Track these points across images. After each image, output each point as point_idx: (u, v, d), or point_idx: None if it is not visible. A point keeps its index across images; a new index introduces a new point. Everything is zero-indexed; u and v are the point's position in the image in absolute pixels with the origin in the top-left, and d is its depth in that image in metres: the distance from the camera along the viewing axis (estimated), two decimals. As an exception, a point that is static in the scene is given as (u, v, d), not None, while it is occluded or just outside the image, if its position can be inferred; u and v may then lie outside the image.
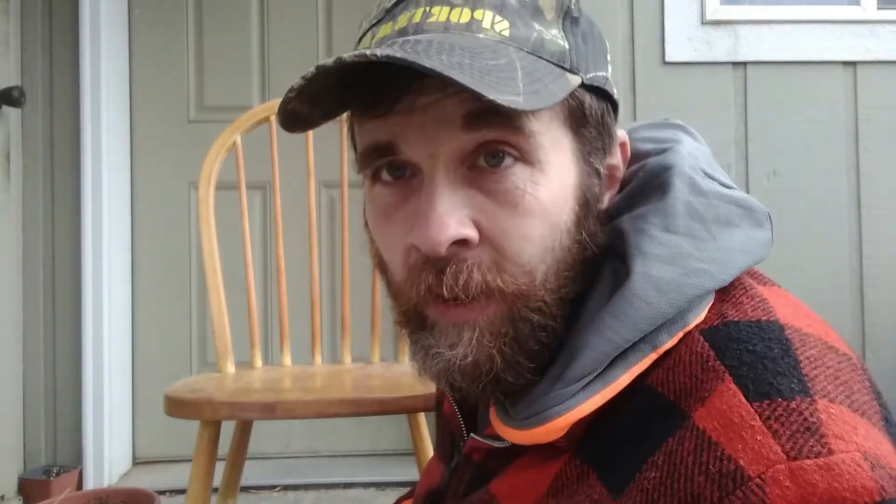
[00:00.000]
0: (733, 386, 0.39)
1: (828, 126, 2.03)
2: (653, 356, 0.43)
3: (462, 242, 0.44)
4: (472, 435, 0.53)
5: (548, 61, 0.45)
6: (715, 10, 2.03)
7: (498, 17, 0.46)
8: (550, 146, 0.45)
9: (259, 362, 1.28)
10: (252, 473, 2.03)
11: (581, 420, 0.44)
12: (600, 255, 0.47)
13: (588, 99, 0.48)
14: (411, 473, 2.02)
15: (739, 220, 0.48)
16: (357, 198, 2.35)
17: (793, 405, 0.38)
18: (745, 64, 2.02)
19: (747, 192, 1.81)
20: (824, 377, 0.40)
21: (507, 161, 0.44)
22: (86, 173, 2.01)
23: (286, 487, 2.01)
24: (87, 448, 1.98)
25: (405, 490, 2.07)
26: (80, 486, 1.96)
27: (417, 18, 0.46)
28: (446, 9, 0.46)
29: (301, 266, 1.82)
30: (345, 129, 1.34)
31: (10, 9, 2.01)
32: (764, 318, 0.44)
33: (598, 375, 0.44)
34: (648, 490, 0.39)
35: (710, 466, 0.37)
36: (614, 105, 0.51)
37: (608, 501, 0.41)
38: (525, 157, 0.44)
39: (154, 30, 2.21)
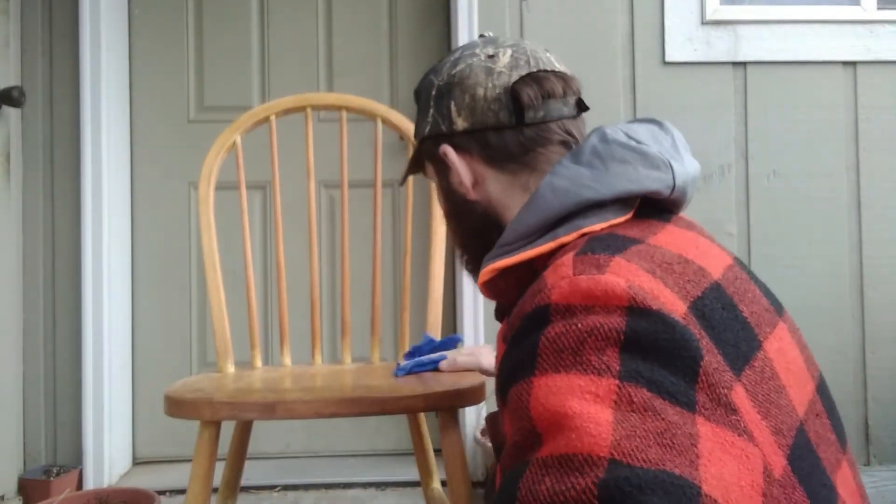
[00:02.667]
0: (573, 252, 0.58)
1: (828, 126, 2.03)
2: (551, 244, 0.64)
3: None
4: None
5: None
6: (715, 10, 2.03)
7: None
8: (430, 173, 0.83)
9: (259, 362, 1.28)
10: (252, 473, 2.03)
11: (502, 280, 0.69)
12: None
13: (421, 147, 0.82)
14: (411, 473, 2.02)
15: (633, 160, 0.65)
16: (357, 198, 2.38)
17: (595, 256, 0.55)
18: (745, 64, 2.02)
19: (747, 192, 1.82)
20: (637, 255, 0.55)
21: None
22: (86, 173, 2.01)
23: (286, 487, 2.01)
24: (87, 448, 1.98)
25: (405, 490, 2.08)
26: (80, 486, 1.96)
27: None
28: None
29: (301, 266, 1.82)
30: (345, 130, 1.34)
31: (10, 9, 2.01)
32: (635, 236, 0.60)
33: (518, 248, 0.66)
34: (510, 318, 0.58)
35: (534, 288, 0.56)
36: (435, 136, 0.78)
37: (500, 338, 0.65)
38: (434, 183, 0.83)
39: (154, 30, 2.21)
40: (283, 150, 2.02)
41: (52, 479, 1.89)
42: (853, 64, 2.03)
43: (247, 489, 1.98)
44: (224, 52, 2.22)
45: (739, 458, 0.46)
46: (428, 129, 0.78)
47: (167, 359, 2.18)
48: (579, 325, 0.49)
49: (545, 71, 0.74)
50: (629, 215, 0.65)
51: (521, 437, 0.47)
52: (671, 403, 0.45)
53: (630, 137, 0.67)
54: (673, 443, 0.43)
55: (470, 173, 0.76)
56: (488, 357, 1.13)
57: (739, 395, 0.49)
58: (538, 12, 2.00)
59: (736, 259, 0.65)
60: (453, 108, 0.75)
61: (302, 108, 1.32)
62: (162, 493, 1.89)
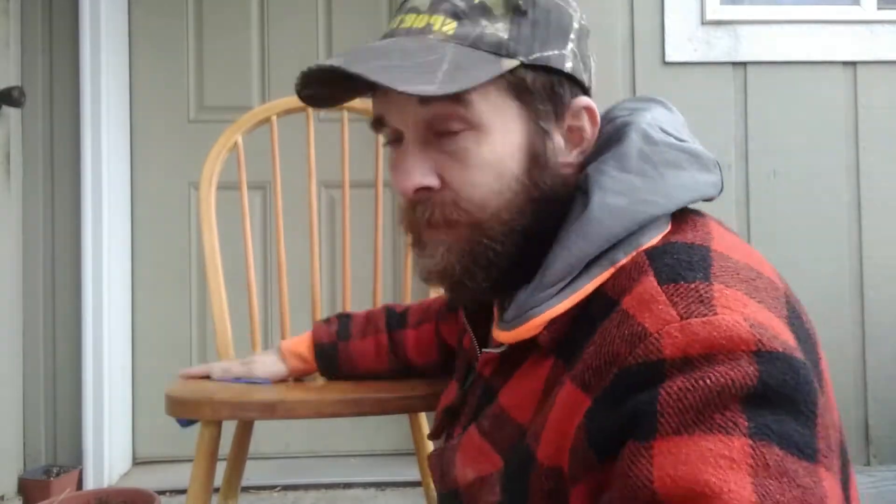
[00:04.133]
0: (652, 277, 0.51)
1: (828, 126, 2.03)
2: (611, 270, 0.55)
3: (426, 189, 0.60)
4: (483, 350, 0.67)
5: (485, 51, 0.58)
6: (715, 10, 2.03)
7: (448, 20, 0.59)
8: (493, 113, 0.58)
9: (259, 362, 1.28)
10: (252, 473, 2.03)
11: (558, 322, 0.56)
12: (573, 195, 0.59)
13: (530, 75, 0.59)
14: (411, 473, 2.02)
15: (687, 164, 0.59)
16: (357, 198, 2.38)
17: (692, 286, 0.49)
18: (745, 64, 2.02)
19: (747, 192, 1.82)
20: (729, 275, 0.50)
21: (457, 127, 0.58)
22: (86, 173, 2.00)
23: (286, 487, 2.01)
24: (87, 448, 1.98)
25: (405, 490, 2.08)
26: (80, 486, 1.96)
27: (394, 25, 0.62)
28: (412, 16, 0.61)
29: (302, 266, 1.82)
30: (346, 130, 1.34)
31: (10, 9, 2.01)
32: (697, 242, 0.55)
33: (567, 284, 0.56)
34: (586, 360, 0.50)
35: (625, 331, 0.48)
36: (570, 76, 0.61)
37: (565, 379, 0.53)
38: (471, 124, 0.58)
39: (154, 30, 2.21)
40: (284, 150, 2.02)
41: (52, 479, 1.89)
42: (853, 64, 2.03)
43: (247, 489, 1.98)
44: (224, 52, 2.22)
45: None
46: (571, 65, 0.60)
47: (167, 359, 2.18)
48: (708, 381, 0.43)
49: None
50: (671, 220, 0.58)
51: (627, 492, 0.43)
52: (799, 459, 0.42)
53: (667, 133, 0.61)
54: None
55: (579, 151, 0.63)
56: (262, 368, 1.07)
57: (829, 432, 0.45)
58: (538, 12, 2.00)
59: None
60: (592, 63, 0.65)
61: (303, 108, 1.32)
62: (162, 493, 1.89)
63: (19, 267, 2.03)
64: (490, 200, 0.59)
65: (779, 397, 0.43)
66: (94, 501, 1.60)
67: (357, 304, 2.07)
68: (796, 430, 0.42)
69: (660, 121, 0.62)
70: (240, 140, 1.30)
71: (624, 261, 0.55)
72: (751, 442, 0.41)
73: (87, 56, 2.01)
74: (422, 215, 0.61)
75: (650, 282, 0.50)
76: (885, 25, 2.03)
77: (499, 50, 0.58)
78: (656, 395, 0.44)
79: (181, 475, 2.00)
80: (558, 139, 0.61)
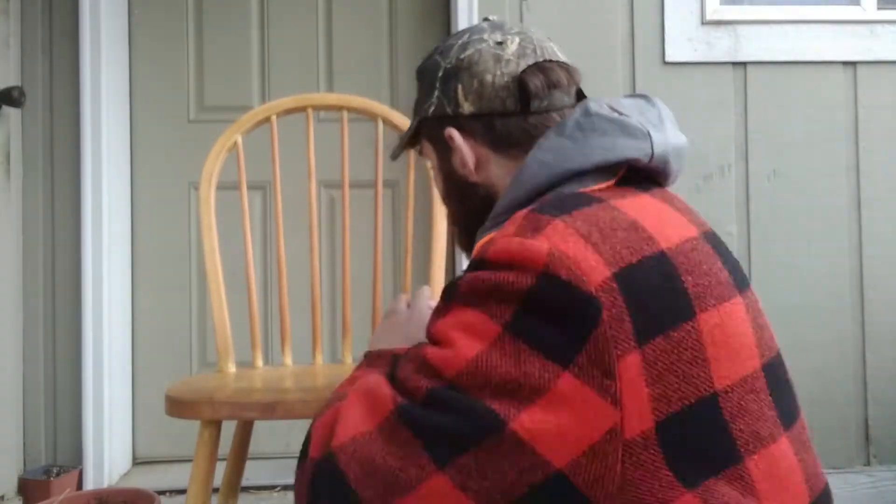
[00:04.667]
0: (529, 207, 0.65)
1: (828, 126, 2.03)
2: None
3: None
4: None
5: (415, 116, 0.85)
6: (715, 10, 2.03)
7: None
8: (429, 154, 0.85)
9: (260, 362, 1.28)
10: (252, 473, 2.03)
11: None
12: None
13: (423, 127, 0.83)
14: (411, 473, 2.02)
15: (612, 132, 0.70)
16: (357, 198, 2.38)
17: (539, 216, 0.62)
18: (745, 64, 2.02)
19: (747, 192, 1.83)
20: (583, 218, 0.62)
21: (431, 166, 0.86)
22: (86, 173, 2.00)
23: (286, 487, 2.01)
24: (87, 448, 1.98)
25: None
26: (80, 486, 1.96)
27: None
28: None
29: (302, 266, 1.82)
30: (346, 130, 1.34)
31: (10, 9, 2.01)
32: (596, 195, 0.66)
33: (505, 220, 0.68)
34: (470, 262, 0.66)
35: (490, 237, 0.64)
36: (439, 117, 0.80)
37: None
38: (431, 164, 0.86)
39: (154, 30, 2.21)
40: (284, 151, 2.02)
41: (52, 479, 1.89)
42: (853, 64, 2.03)
43: (247, 489, 1.98)
44: (224, 51, 2.22)
45: (580, 414, 0.55)
46: (432, 109, 0.80)
47: (167, 359, 2.18)
48: (493, 277, 0.59)
49: (550, 61, 0.77)
50: (610, 182, 0.69)
51: (426, 333, 0.64)
52: (543, 357, 0.56)
53: (613, 110, 0.71)
54: (513, 389, 0.56)
55: (473, 156, 0.78)
56: None
57: (629, 365, 0.56)
58: (538, 12, 2.00)
59: (704, 233, 0.68)
60: (461, 91, 0.77)
61: (303, 108, 1.32)
62: (162, 493, 1.89)
63: (19, 267, 2.03)
64: (444, 200, 0.86)
65: (547, 310, 0.57)
66: (94, 501, 1.60)
67: (357, 303, 2.08)
68: (553, 337, 0.56)
69: (615, 102, 0.73)
70: (239, 140, 1.30)
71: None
72: (501, 330, 0.57)
73: (87, 56, 2.01)
74: None
75: (524, 211, 0.65)
76: (885, 25, 2.03)
77: (416, 113, 0.84)
78: (466, 277, 0.62)
79: (181, 475, 2.00)
80: (458, 161, 0.80)
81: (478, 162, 0.78)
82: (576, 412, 0.55)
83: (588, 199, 0.65)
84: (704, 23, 2.01)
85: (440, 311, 0.63)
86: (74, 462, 2.00)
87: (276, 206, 1.32)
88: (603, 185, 0.69)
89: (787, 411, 0.65)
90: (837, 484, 1.92)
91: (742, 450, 0.59)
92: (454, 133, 0.78)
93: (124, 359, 2.14)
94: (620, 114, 0.71)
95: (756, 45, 2.01)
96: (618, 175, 0.69)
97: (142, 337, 2.19)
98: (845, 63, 2.03)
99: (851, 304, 2.00)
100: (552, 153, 0.70)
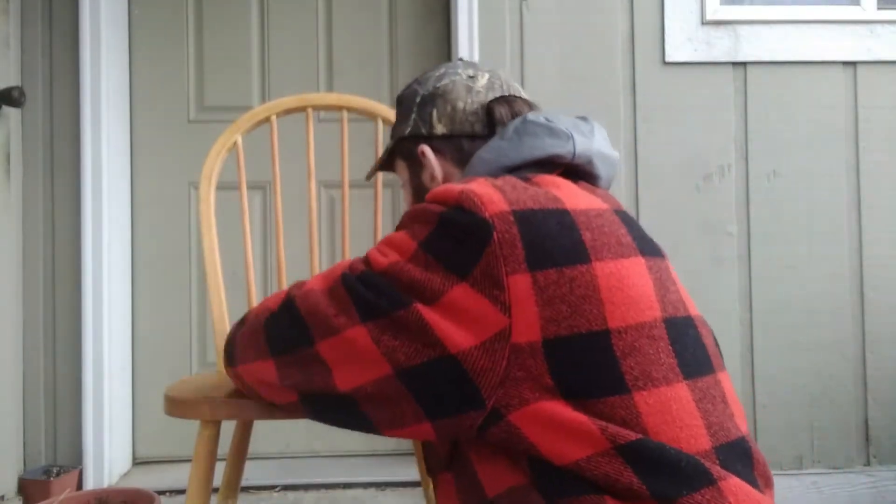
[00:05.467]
0: None
1: (828, 126, 2.03)
2: None
3: None
4: None
5: (391, 139, 0.98)
6: (715, 10, 2.03)
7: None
8: (402, 172, 0.97)
9: (259, 362, 1.28)
10: (252, 473, 2.03)
11: None
12: None
13: (399, 147, 0.95)
14: (411, 473, 2.02)
15: (542, 134, 0.82)
16: (357, 198, 2.37)
17: (471, 178, 0.77)
18: (745, 64, 2.02)
19: (747, 192, 1.83)
20: (504, 181, 0.74)
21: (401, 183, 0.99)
22: (86, 173, 2.00)
23: (286, 487, 2.01)
24: (87, 448, 1.98)
25: (405, 490, 2.07)
26: (80, 486, 1.96)
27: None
28: None
29: (301, 266, 1.82)
30: (346, 130, 1.34)
31: (10, 9, 2.01)
32: (522, 176, 0.78)
33: None
34: None
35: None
36: (414, 136, 0.92)
37: None
38: (401, 181, 0.98)
39: (154, 30, 2.21)
40: (284, 151, 2.02)
41: (52, 479, 1.89)
42: (853, 64, 2.03)
43: (247, 489, 1.98)
44: (224, 51, 2.22)
45: (474, 315, 0.67)
46: (408, 130, 0.92)
47: (167, 359, 2.18)
48: (420, 207, 0.74)
49: (514, 96, 0.90)
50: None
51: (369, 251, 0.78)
52: (444, 268, 0.69)
53: (548, 119, 0.83)
54: (420, 289, 0.69)
55: (441, 171, 0.89)
56: None
57: (518, 282, 0.67)
58: (538, 12, 2.00)
59: (618, 210, 0.78)
60: (435, 114, 0.90)
61: (303, 108, 1.32)
62: (162, 493, 1.89)
63: (19, 267, 2.03)
64: None
65: (453, 231, 0.70)
66: (94, 501, 1.60)
67: (357, 304, 2.06)
68: (455, 253, 0.69)
69: (554, 114, 0.85)
70: (239, 140, 1.30)
71: None
72: (416, 246, 0.71)
73: (87, 56, 2.01)
74: None
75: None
76: (885, 25, 2.03)
77: (392, 136, 0.97)
78: (408, 210, 0.77)
79: (181, 475, 2.00)
80: (427, 176, 0.91)
81: (445, 177, 0.89)
82: (470, 313, 0.67)
83: (516, 177, 0.77)
84: (704, 23, 2.01)
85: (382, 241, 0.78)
86: (74, 462, 2.00)
87: (276, 206, 1.32)
88: (536, 175, 0.79)
89: (693, 364, 0.71)
90: (837, 484, 1.92)
91: (630, 384, 0.66)
92: (426, 149, 0.90)
93: (124, 359, 2.14)
94: (550, 121, 0.82)
95: (756, 45, 2.01)
96: (554, 173, 0.81)
97: (142, 337, 2.19)
98: (845, 63, 2.03)
99: (851, 305, 2.00)
100: (493, 153, 0.83)
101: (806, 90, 2.02)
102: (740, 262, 2.00)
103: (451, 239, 0.70)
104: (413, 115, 0.92)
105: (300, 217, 2.07)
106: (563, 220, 0.71)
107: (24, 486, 1.93)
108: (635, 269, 0.72)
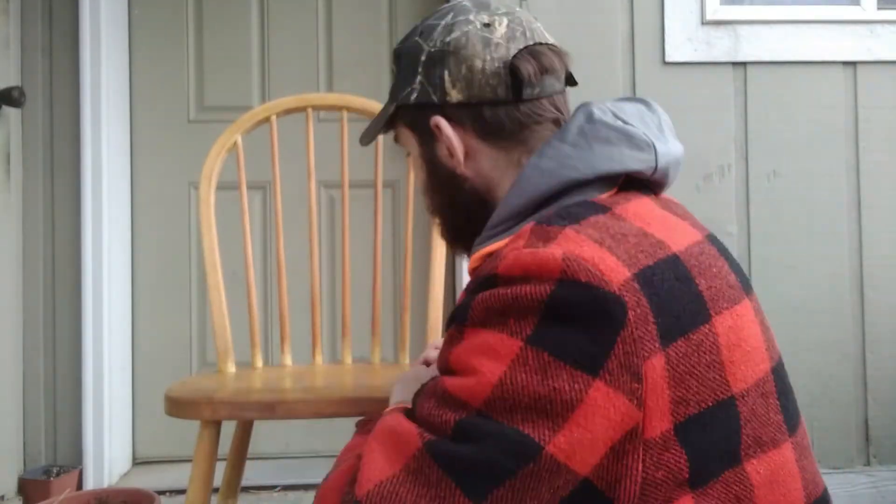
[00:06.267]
0: (536, 220, 0.64)
1: (828, 126, 2.02)
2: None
3: None
4: None
5: (390, 102, 0.79)
6: (715, 11, 2.03)
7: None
8: (407, 141, 0.80)
9: (259, 362, 1.28)
10: (252, 473, 2.03)
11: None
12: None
13: (402, 113, 0.78)
14: (411, 473, 2.02)
15: (617, 141, 0.67)
16: (357, 198, 2.37)
17: (548, 228, 0.61)
18: (745, 64, 2.02)
19: (747, 192, 1.82)
20: (591, 226, 0.60)
21: (408, 154, 0.81)
22: (86, 173, 2.00)
23: (286, 487, 2.01)
24: (87, 448, 1.98)
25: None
26: (80, 486, 1.96)
27: None
28: None
29: (301, 266, 1.81)
30: (346, 130, 1.34)
31: (10, 9, 2.01)
32: (601, 202, 0.65)
33: (505, 229, 0.68)
34: (473, 280, 0.64)
35: (497, 254, 0.62)
36: (419, 105, 0.75)
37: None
38: (408, 152, 0.81)
39: (154, 30, 2.21)
40: (284, 150, 2.02)
41: (52, 479, 1.89)
42: (853, 64, 2.03)
43: (247, 489, 1.98)
44: (224, 51, 2.22)
45: (611, 419, 0.53)
46: (415, 96, 0.75)
47: (167, 359, 2.18)
48: (507, 292, 0.57)
49: (540, 44, 0.73)
50: (612, 192, 0.68)
51: (441, 365, 0.63)
52: (572, 367, 0.53)
53: (617, 117, 0.69)
54: (544, 407, 0.53)
55: (461, 146, 0.73)
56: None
57: (654, 367, 0.55)
58: (538, 12, 2.00)
59: (708, 236, 0.68)
60: (447, 78, 0.73)
61: (303, 108, 1.32)
62: (162, 493, 1.89)
63: (19, 267, 2.03)
64: (425, 191, 0.79)
65: (570, 316, 0.54)
66: (94, 501, 1.60)
67: (357, 303, 2.08)
68: (579, 344, 0.54)
69: (618, 108, 0.71)
70: (239, 140, 1.30)
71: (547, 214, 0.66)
72: (523, 345, 0.54)
73: (87, 56, 2.01)
74: None
75: (532, 223, 0.64)
76: (885, 25, 2.03)
77: (390, 100, 0.79)
78: (478, 297, 0.59)
79: (181, 475, 2.00)
80: (444, 151, 0.75)
81: (466, 153, 0.74)
82: (607, 419, 0.53)
83: (594, 208, 0.64)
84: (704, 23, 2.01)
85: (454, 338, 0.60)
86: (74, 462, 2.00)
87: (276, 206, 1.32)
88: (605, 196, 0.67)
89: (792, 416, 0.64)
90: (837, 484, 1.92)
91: (742, 454, 0.58)
92: (441, 122, 0.73)
93: (124, 359, 2.14)
94: (624, 122, 0.69)
95: (756, 45, 2.01)
96: (618, 183, 0.68)
97: (142, 337, 2.19)
98: (845, 63, 2.03)
99: (851, 305, 2.00)
100: (554, 161, 0.67)
101: (806, 90, 2.02)
102: (740, 261, 2.00)
103: (570, 326, 0.54)
104: (419, 77, 0.74)
105: (300, 217, 2.07)
106: (677, 270, 0.59)
107: (24, 486, 1.93)
108: (746, 315, 0.62)
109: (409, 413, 0.63)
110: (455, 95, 0.72)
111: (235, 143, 1.29)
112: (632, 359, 0.54)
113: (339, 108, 1.34)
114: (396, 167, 2.12)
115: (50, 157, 2.05)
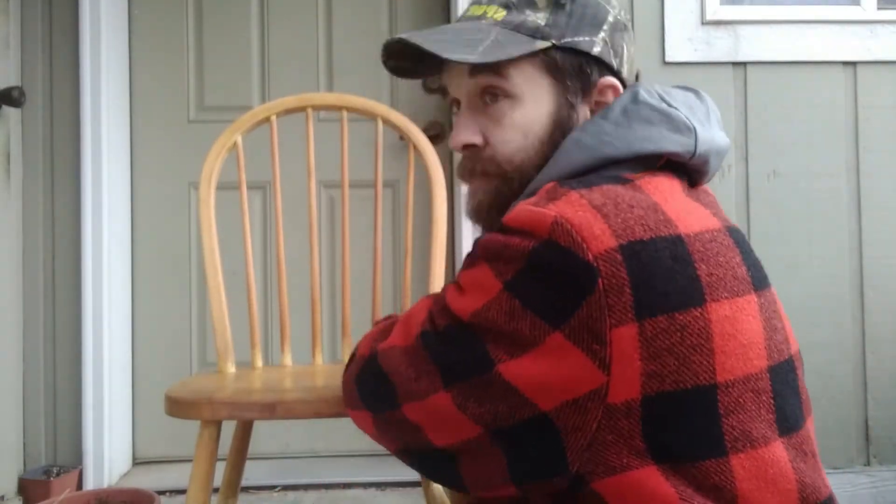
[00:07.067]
0: (556, 182, 0.67)
1: (828, 126, 2.02)
2: None
3: (472, 146, 0.76)
4: None
5: (524, 34, 0.72)
6: (715, 11, 2.03)
7: (500, 10, 0.74)
8: (527, 85, 0.73)
9: (259, 362, 1.28)
10: (252, 473, 2.03)
11: None
12: None
13: (560, 56, 0.72)
14: (411, 473, 2.02)
15: (658, 122, 0.68)
16: (357, 198, 2.38)
17: (559, 189, 0.64)
18: (745, 64, 2.02)
19: (747, 192, 1.82)
20: (601, 193, 0.62)
21: (498, 95, 0.73)
22: (86, 173, 2.00)
23: (286, 487, 2.01)
24: (87, 448, 1.98)
25: (405, 490, 2.07)
26: (80, 486, 1.96)
27: (463, 14, 0.78)
28: (474, 7, 0.76)
29: (301, 266, 1.81)
30: (346, 130, 1.34)
31: (10, 9, 2.01)
32: (623, 175, 0.66)
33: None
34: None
35: (519, 206, 0.65)
36: (597, 59, 0.72)
37: None
38: (508, 94, 0.73)
39: (154, 30, 2.21)
40: (284, 150, 2.02)
41: (52, 479, 1.89)
42: (853, 64, 2.03)
43: (247, 489, 1.98)
44: (224, 52, 2.22)
45: (570, 367, 0.58)
46: (599, 49, 0.72)
47: (167, 359, 2.18)
48: (503, 239, 0.62)
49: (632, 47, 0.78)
50: (647, 173, 0.68)
51: (456, 276, 0.69)
52: (534, 316, 0.59)
53: (662, 100, 0.70)
54: (506, 339, 0.60)
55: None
56: None
57: (623, 335, 0.57)
58: (538, 12, 2.00)
59: (728, 227, 0.67)
60: (626, 52, 0.75)
61: (303, 108, 1.32)
62: (162, 493, 1.89)
63: (19, 267, 2.03)
64: (516, 156, 0.74)
65: (544, 273, 0.59)
66: (94, 501, 1.60)
67: (357, 303, 2.08)
68: (546, 299, 0.59)
69: (666, 92, 0.72)
70: (239, 140, 1.30)
71: None
72: (501, 287, 0.61)
73: (87, 56, 2.01)
74: (468, 167, 0.77)
75: (552, 183, 0.66)
76: (885, 25, 2.03)
77: (535, 34, 0.72)
78: (485, 236, 0.65)
79: (181, 475, 2.00)
80: (584, 111, 0.74)
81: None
82: (563, 366, 0.58)
83: (615, 179, 0.65)
84: (704, 23, 2.01)
85: (466, 263, 0.67)
86: (74, 462, 2.00)
87: (276, 206, 1.32)
88: (639, 174, 0.67)
89: (791, 418, 0.64)
90: (837, 484, 1.92)
91: (728, 446, 0.59)
92: (616, 83, 0.73)
93: (124, 359, 2.14)
94: (669, 105, 0.69)
95: (756, 45, 2.01)
96: (656, 166, 0.69)
97: (142, 337, 2.19)
98: (845, 63, 2.03)
99: (851, 305, 2.00)
100: (592, 136, 0.69)
101: (806, 90, 2.02)
102: (740, 262, 2.00)
103: (542, 282, 0.59)
104: (602, 34, 0.73)
105: (300, 217, 2.07)
106: (676, 251, 0.60)
107: (24, 486, 1.93)
108: (749, 309, 0.63)
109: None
110: (625, 71, 0.75)
111: (235, 144, 1.29)
112: (597, 323, 0.57)
113: (339, 108, 1.34)
114: (396, 167, 2.12)
115: (50, 157, 2.05)
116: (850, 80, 2.03)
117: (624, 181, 0.65)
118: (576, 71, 0.72)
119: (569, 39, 0.72)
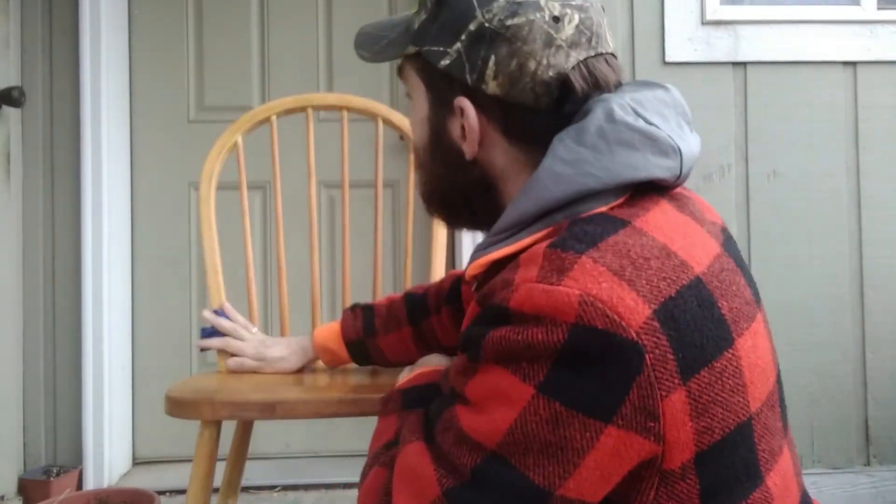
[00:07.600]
0: (549, 241, 0.58)
1: (828, 126, 2.02)
2: (548, 230, 0.61)
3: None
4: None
5: (410, 35, 0.71)
6: (715, 11, 2.03)
7: (415, 7, 0.72)
8: (413, 87, 0.73)
9: (259, 362, 1.28)
10: (252, 473, 2.03)
11: (498, 265, 0.63)
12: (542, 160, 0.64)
13: (421, 63, 0.70)
14: (411, 473, 2.02)
15: (640, 146, 0.61)
16: (357, 198, 2.38)
17: (564, 255, 0.55)
18: (745, 64, 2.02)
19: (747, 192, 1.82)
20: (612, 251, 0.55)
21: (408, 95, 0.75)
22: (86, 173, 2.00)
23: (286, 487, 2.01)
24: (87, 448, 1.98)
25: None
26: (80, 486, 1.96)
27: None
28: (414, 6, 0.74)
29: (301, 266, 1.82)
30: (346, 130, 1.34)
31: (10, 9, 2.01)
32: (619, 217, 0.59)
33: (511, 235, 0.63)
34: (485, 289, 0.60)
35: (507, 276, 0.57)
36: (445, 74, 0.67)
37: (473, 300, 0.63)
38: (407, 93, 0.75)
39: (154, 30, 2.21)
40: (284, 150, 2.02)
41: (52, 479, 1.89)
42: (853, 64, 2.03)
43: (247, 489, 1.98)
44: (224, 52, 2.22)
45: (626, 455, 0.53)
46: (445, 63, 0.66)
47: (167, 359, 2.18)
48: (521, 333, 0.53)
49: (600, 54, 0.66)
50: (627, 196, 0.62)
51: (456, 384, 0.60)
52: (583, 416, 0.52)
53: (638, 115, 0.63)
54: (555, 454, 0.53)
55: (479, 134, 0.67)
56: (273, 350, 1.14)
57: (674, 403, 0.53)
58: (538, 12, 2.00)
59: (724, 242, 0.64)
60: (492, 66, 0.64)
61: (303, 108, 1.32)
62: (162, 493, 1.89)
63: (19, 266, 2.03)
64: (421, 151, 0.74)
65: (584, 363, 0.52)
66: (94, 501, 1.60)
67: (357, 304, 2.07)
68: (592, 392, 0.52)
69: (640, 102, 0.65)
70: (240, 140, 1.30)
71: (559, 224, 0.61)
72: (535, 392, 0.53)
73: (87, 56, 2.01)
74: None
75: (545, 244, 0.58)
76: (885, 25, 2.03)
77: (414, 37, 0.70)
78: (488, 333, 0.56)
79: (181, 475, 2.00)
80: (455, 126, 0.69)
81: (482, 141, 0.67)
82: (619, 457, 0.53)
83: (612, 224, 0.58)
84: (704, 23, 2.01)
85: (467, 370, 0.58)
86: (74, 462, 2.00)
87: (276, 205, 1.32)
88: (620, 200, 0.62)
89: (785, 416, 0.64)
90: (837, 484, 1.92)
91: (763, 469, 0.57)
92: (467, 105, 0.66)
93: (124, 359, 2.14)
94: (647, 121, 0.63)
95: (756, 45, 2.01)
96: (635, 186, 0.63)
97: (142, 337, 2.19)
98: (845, 63, 2.03)
99: (851, 304, 2.00)
100: (570, 166, 0.60)
101: (806, 90, 2.02)
102: (740, 262, 2.00)
103: (584, 374, 0.52)
104: (458, 46, 0.66)
105: (300, 217, 2.07)
106: (700, 295, 0.56)
107: (24, 486, 1.93)
108: (760, 331, 0.60)
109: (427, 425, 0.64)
110: (492, 87, 0.65)
111: (235, 143, 1.29)
112: (647, 401, 0.52)
113: (339, 108, 1.34)
114: (396, 167, 2.12)
115: (50, 156, 2.05)
116: (850, 80, 2.03)
117: (620, 223, 0.58)
118: (434, 82, 0.69)
119: (426, 48, 0.68)
